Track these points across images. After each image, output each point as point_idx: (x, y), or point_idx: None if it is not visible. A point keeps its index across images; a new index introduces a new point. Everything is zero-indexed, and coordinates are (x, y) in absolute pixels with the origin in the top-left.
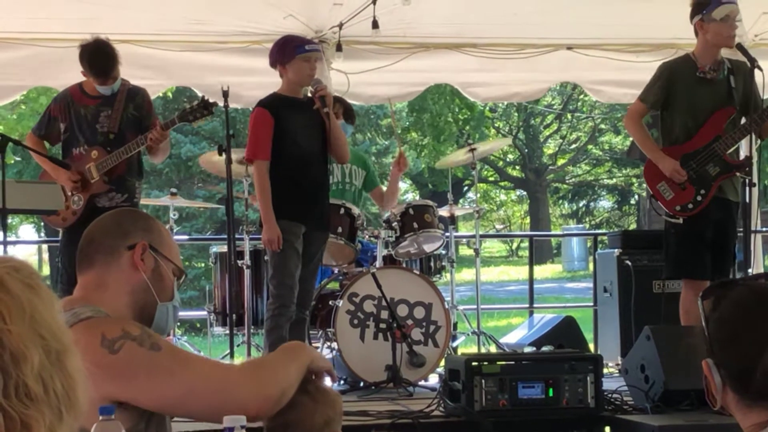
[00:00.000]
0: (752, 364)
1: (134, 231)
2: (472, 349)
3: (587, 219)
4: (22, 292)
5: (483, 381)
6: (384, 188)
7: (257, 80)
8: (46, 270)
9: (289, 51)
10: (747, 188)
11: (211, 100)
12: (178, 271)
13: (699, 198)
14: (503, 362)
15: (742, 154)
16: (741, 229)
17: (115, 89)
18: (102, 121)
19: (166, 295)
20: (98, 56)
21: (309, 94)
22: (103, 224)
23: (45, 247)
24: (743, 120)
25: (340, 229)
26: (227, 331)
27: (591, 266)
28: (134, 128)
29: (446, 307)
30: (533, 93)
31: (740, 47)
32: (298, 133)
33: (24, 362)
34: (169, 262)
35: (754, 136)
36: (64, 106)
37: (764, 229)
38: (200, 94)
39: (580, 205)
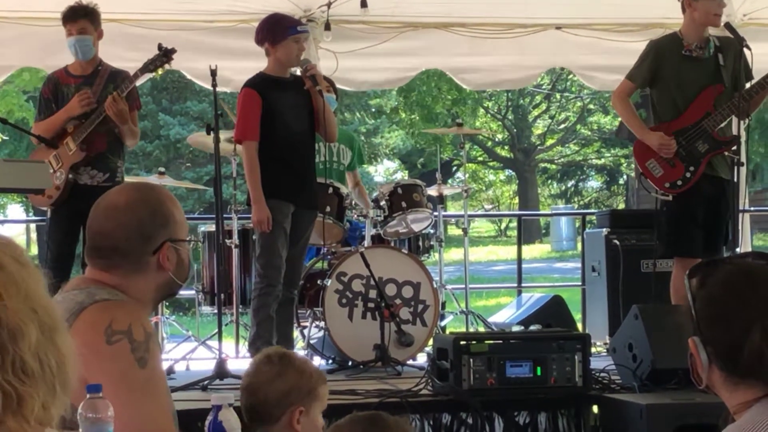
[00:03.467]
0: (739, 342)
1: (155, 232)
2: (461, 329)
3: (576, 199)
4: (14, 267)
5: (471, 360)
6: (359, 177)
7: (246, 65)
8: (34, 249)
9: (280, 31)
10: (735, 168)
11: (168, 47)
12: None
13: (688, 175)
14: (491, 341)
15: (734, 132)
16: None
17: (83, 53)
18: None
19: (185, 275)
20: (74, 6)
21: (299, 73)
22: (123, 226)
23: (33, 226)
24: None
25: (328, 209)
26: (215, 311)
27: (579, 246)
28: None
29: (434, 286)
30: (524, 79)
31: (729, 27)
32: (286, 113)
33: (21, 338)
34: (185, 244)
35: (753, 110)
36: (52, 87)
37: (752, 208)
38: (189, 77)
39: (569, 185)
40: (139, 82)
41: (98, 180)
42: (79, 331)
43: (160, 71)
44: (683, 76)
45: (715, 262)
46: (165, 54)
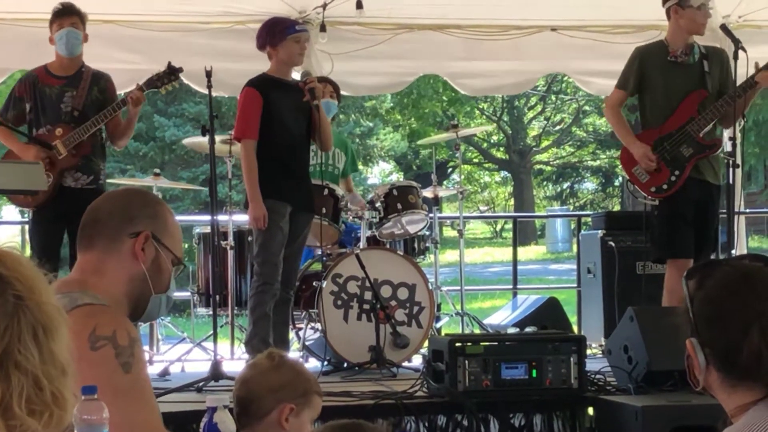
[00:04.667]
0: (738, 343)
1: (140, 217)
2: (456, 330)
3: (571, 200)
4: (33, 267)
5: (466, 362)
6: (352, 183)
7: (243, 67)
8: (28, 251)
9: (279, 32)
10: (731, 169)
11: (177, 66)
12: (176, 260)
13: (673, 179)
14: (487, 343)
15: (725, 136)
16: (724, 211)
17: (70, 49)
18: (66, 100)
19: (162, 286)
20: (63, 5)
21: (299, 85)
22: (111, 204)
23: (27, 228)
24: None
25: (324, 210)
26: (210, 312)
27: (575, 248)
28: (97, 110)
29: (430, 288)
30: (523, 84)
31: (724, 29)
32: (286, 115)
33: (53, 335)
34: (169, 253)
35: (737, 117)
36: (29, 86)
37: (748, 210)
38: (185, 81)
39: (564, 186)
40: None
41: (82, 183)
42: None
43: (164, 90)
44: (669, 82)
45: (712, 264)
46: (172, 72)
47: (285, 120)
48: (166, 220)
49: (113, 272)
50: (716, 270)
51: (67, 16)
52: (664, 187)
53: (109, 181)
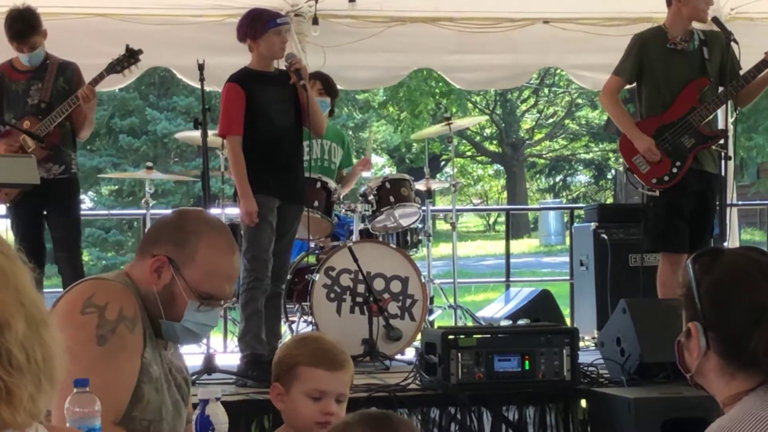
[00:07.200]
0: (748, 332)
1: (164, 241)
2: (449, 323)
3: (564, 193)
4: (2, 261)
5: (459, 354)
6: (345, 172)
7: (235, 60)
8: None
9: (260, 25)
10: (723, 161)
11: (135, 48)
12: (200, 296)
13: (674, 170)
14: (479, 335)
15: (720, 126)
16: (717, 203)
17: (34, 62)
18: (32, 93)
19: (174, 315)
20: (17, 21)
21: (284, 68)
22: (158, 221)
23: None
24: (719, 91)
25: (316, 203)
26: None
27: (567, 240)
28: (64, 100)
29: (423, 281)
30: (518, 77)
31: (716, 21)
32: (270, 108)
33: (8, 330)
34: (186, 285)
35: (730, 109)
36: None
37: (740, 202)
38: (178, 75)
39: (557, 179)
40: (110, 87)
41: (54, 172)
42: (68, 297)
43: (126, 72)
44: (669, 70)
45: (720, 249)
46: (132, 54)
47: (270, 112)
48: (194, 251)
49: (138, 281)
50: (725, 255)
51: (24, 42)
52: (666, 178)
53: (101, 176)
